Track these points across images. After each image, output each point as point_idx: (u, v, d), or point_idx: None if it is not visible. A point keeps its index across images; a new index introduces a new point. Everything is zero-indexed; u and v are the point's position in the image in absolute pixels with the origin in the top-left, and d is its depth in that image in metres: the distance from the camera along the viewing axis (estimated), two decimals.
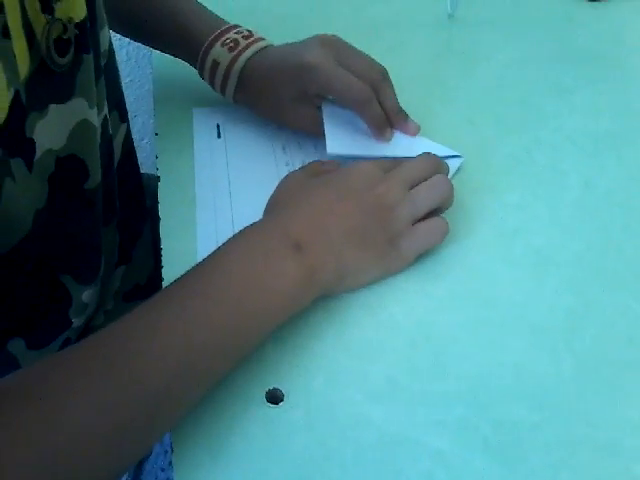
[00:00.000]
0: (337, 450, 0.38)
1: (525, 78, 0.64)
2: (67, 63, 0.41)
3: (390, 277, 0.46)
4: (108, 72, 0.50)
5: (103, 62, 0.48)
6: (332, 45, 0.53)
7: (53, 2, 0.39)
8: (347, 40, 0.54)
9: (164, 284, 0.45)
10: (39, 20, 0.38)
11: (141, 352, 0.35)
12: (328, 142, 0.53)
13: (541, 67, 0.65)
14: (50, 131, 0.41)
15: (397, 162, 0.48)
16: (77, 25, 0.41)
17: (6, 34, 0.35)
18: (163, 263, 0.47)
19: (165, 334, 0.36)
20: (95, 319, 0.56)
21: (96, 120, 0.45)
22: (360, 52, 0.53)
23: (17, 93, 0.36)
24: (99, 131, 0.47)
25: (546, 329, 0.44)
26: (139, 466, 1.03)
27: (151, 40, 0.61)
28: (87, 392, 0.34)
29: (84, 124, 0.44)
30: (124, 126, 0.56)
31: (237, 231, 0.42)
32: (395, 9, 0.73)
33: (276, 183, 0.48)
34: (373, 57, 0.53)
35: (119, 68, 0.54)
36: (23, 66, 0.37)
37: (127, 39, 0.65)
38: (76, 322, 0.51)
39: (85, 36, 0.42)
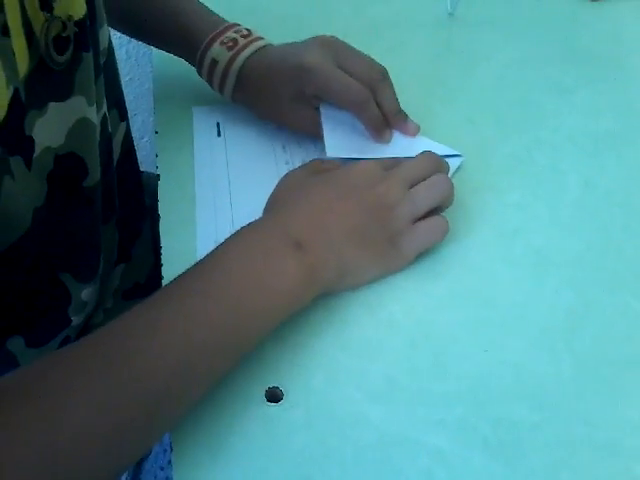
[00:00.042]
0: (337, 449, 0.38)
1: (525, 78, 0.64)
2: (66, 61, 0.41)
3: (390, 276, 0.46)
4: (107, 70, 0.50)
5: (102, 60, 0.48)
6: (331, 46, 0.53)
7: (52, 0, 0.39)
8: (347, 40, 0.54)
9: (164, 282, 0.45)
10: (38, 18, 0.38)
11: (141, 350, 0.35)
12: (327, 145, 0.53)
13: (541, 67, 0.65)
14: (49, 129, 0.41)
15: (397, 161, 0.48)
16: (77, 23, 0.41)
17: (5, 32, 0.35)
18: (163, 261, 0.47)
19: (165, 332, 0.36)
20: (94, 317, 0.56)
21: (95, 118, 0.45)
22: (359, 53, 0.53)
23: (16, 91, 0.36)
24: (98, 129, 0.47)
25: (546, 329, 0.44)
26: (138, 465, 1.03)
27: (151, 39, 0.61)
28: (86, 391, 0.33)
29: (83, 122, 0.44)
30: (124, 124, 0.56)
31: (237, 229, 0.42)
32: (395, 9, 0.73)
33: (276, 182, 0.48)
34: (373, 57, 0.53)
35: (119, 66, 0.54)
36: (22, 64, 0.37)
37: (127, 37, 0.65)
38: (75, 320, 0.51)
39: (85, 34, 0.42)
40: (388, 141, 0.53)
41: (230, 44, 0.55)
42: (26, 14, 0.37)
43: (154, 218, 0.51)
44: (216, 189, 0.53)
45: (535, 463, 0.38)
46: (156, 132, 0.58)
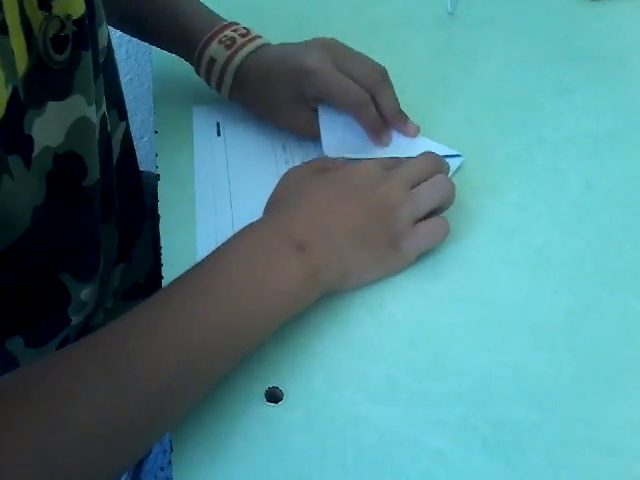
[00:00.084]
0: (337, 449, 0.38)
1: (525, 77, 0.64)
2: (65, 60, 0.41)
3: (390, 276, 0.46)
4: (107, 69, 0.50)
5: (102, 59, 0.48)
6: (331, 49, 0.52)
7: None
8: (347, 40, 0.54)
9: (164, 282, 0.45)
10: (37, 17, 0.38)
11: (141, 351, 0.35)
12: (324, 144, 0.53)
13: (541, 67, 0.65)
14: (48, 128, 0.41)
15: (398, 161, 0.48)
16: (75, 22, 0.41)
17: (4, 31, 0.35)
18: (163, 261, 0.47)
19: (165, 333, 0.36)
20: (94, 317, 0.56)
21: (94, 117, 0.45)
22: (359, 55, 0.53)
23: (15, 90, 0.36)
24: (97, 128, 0.47)
25: (546, 329, 0.44)
26: (138, 465, 1.03)
27: (152, 38, 0.61)
28: (87, 392, 0.33)
29: (82, 121, 0.44)
30: (123, 124, 0.56)
31: (237, 229, 0.42)
32: (395, 9, 0.73)
33: (276, 181, 0.48)
34: (373, 57, 0.53)
35: (119, 66, 0.54)
36: (21, 63, 0.37)
37: (127, 36, 0.65)
38: (75, 320, 0.51)
39: (84, 33, 0.42)
40: (386, 144, 0.53)
41: (228, 43, 0.55)
42: (25, 13, 0.37)
43: (154, 218, 0.51)
44: (216, 189, 0.53)
45: (535, 463, 0.38)
46: (156, 132, 0.58)
